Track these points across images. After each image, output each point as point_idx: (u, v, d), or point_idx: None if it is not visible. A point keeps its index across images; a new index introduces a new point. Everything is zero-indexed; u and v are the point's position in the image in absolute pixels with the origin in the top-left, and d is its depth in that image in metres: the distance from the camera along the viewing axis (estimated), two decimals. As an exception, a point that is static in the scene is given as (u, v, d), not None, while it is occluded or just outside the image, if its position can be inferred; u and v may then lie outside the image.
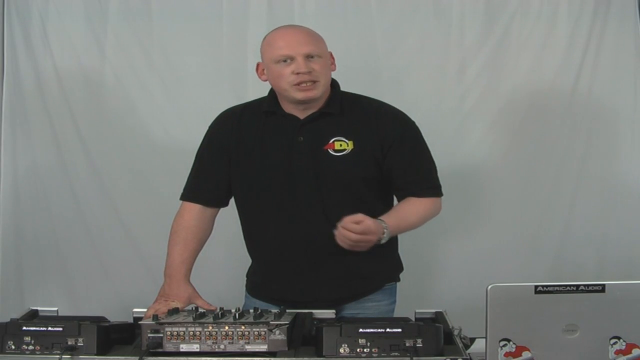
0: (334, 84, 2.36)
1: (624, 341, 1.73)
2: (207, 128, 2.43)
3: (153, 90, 3.31)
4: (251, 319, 1.88)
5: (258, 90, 2.39)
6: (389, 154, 2.30)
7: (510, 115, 3.28)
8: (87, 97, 3.31)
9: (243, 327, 1.84)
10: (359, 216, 2.13)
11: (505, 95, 3.28)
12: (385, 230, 2.19)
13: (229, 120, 2.39)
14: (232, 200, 2.44)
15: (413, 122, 2.37)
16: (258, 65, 2.34)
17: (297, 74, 2.22)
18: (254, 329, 1.84)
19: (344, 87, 2.38)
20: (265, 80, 2.33)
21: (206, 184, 2.39)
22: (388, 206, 2.39)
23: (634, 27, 3.25)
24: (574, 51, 3.25)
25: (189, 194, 2.40)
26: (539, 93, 3.27)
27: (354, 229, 2.11)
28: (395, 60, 3.29)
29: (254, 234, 2.41)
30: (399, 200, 2.39)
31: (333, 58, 2.35)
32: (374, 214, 2.27)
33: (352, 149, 2.28)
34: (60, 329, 1.84)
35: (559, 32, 3.25)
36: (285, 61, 2.24)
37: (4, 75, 3.32)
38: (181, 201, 2.41)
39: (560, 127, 3.28)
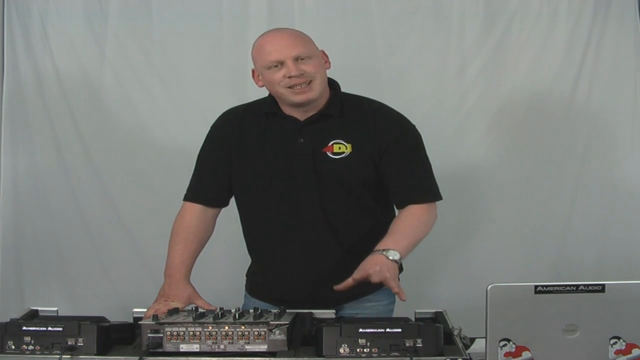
0: (334, 85, 2.35)
1: (624, 341, 1.72)
2: (207, 128, 2.43)
3: (153, 90, 3.32)
4: (251, 319, 1.88)
5: (258, 90, 2.38)
6: (385, 156, 2.28)
7: (510, 115, 3.28)
8: (87, 97, 3.31)
9: (243, 327, 1.84)
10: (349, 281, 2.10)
11: (505, 95, 3.28)
12: (389, 256, 2.13)
13: (230, 121, 2.38)
14: (232, 200, 2.44)
15: (413, 127, 2.34)
16: (253, 72, 2.33)
17: (289, 77, 2.21)
18: (254, 329, 1.84)
19: (343, 87, 2.37)
20: (262, 86, 2.32)
21: (208, 184, 2.38)
22: (388, 208, 2.38)
23: (634, 27, 3.25)
24: (574, 51, 3.24)
25: (190, 194, 2.39)
26: (538, 93, 3.27)
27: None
28: (395, 60, 3.29)
29: (253, 234, 2.41)
30: (396, 206, 2.36)
31: (326, 56, 2.33)
32: (373, 216, 2.28)
33: (350, 152, 2.27)
34: (60, 329, 1.84)
35: (559, 33, 3.25)
36: (276, 66, 2.22)
37: (4, 75, 3.32)
38: (183, 201, 2.40)
39: (560, 127, 3.28)
